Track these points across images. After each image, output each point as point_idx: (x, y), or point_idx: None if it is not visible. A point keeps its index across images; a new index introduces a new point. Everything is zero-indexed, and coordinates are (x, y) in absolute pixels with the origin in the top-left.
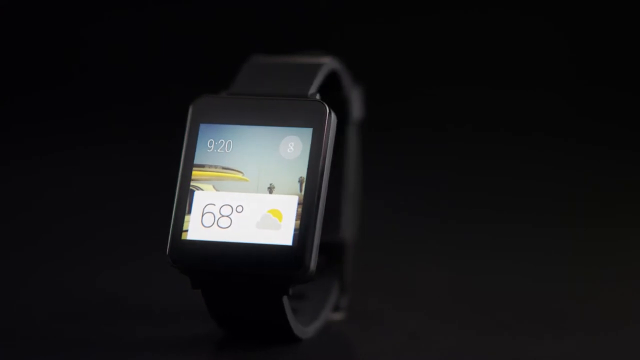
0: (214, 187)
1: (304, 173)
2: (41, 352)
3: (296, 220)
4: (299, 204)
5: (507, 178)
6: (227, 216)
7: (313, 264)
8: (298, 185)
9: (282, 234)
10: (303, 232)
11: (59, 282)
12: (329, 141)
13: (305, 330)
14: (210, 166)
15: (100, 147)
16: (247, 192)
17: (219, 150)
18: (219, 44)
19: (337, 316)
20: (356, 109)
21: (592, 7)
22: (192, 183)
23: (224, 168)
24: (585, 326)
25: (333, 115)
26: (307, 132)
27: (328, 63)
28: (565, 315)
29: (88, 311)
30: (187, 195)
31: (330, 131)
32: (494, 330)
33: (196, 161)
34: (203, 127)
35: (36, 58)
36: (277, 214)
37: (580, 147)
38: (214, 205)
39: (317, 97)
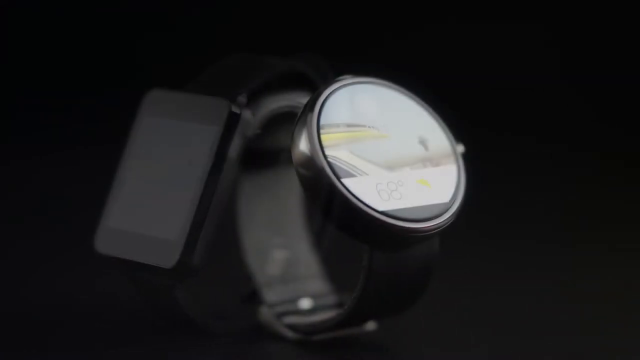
0: (142, 178)
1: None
2: (41, 352)
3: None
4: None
5: (507, 178)
6: (142, 207)
7: (196, 260)
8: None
9: (170, 228)
10: (184, 227)
11: (59, 282)
12: (231, 141)
13: (221, 325)
14: (143, 158)
15: (100, 147)
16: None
17: (153, 143)
18: (219, 44)
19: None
20: None
21: (593, 7)
22: (127, 173)
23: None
24: (584, 327)
25: (243, 115)
26: (212, 131)
27: (278, 65)
28: (564, 315)
29: (88, 311)
30: (121, 185)
31: (234, 131)
32: (493, 332)
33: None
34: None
35: (36, 58)
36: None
37: (580, 147)
38: (135, 195)
39: (242, 97)
